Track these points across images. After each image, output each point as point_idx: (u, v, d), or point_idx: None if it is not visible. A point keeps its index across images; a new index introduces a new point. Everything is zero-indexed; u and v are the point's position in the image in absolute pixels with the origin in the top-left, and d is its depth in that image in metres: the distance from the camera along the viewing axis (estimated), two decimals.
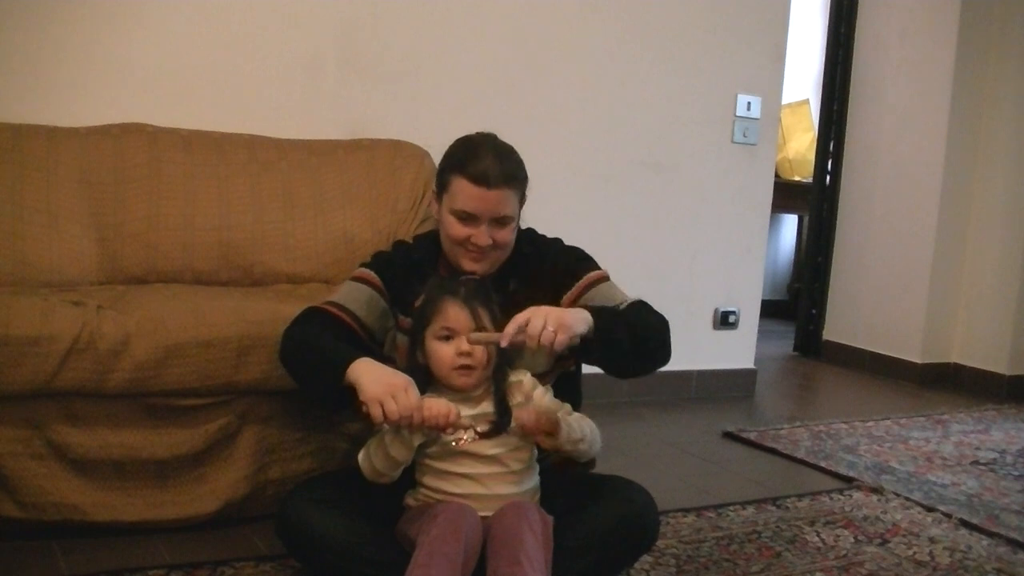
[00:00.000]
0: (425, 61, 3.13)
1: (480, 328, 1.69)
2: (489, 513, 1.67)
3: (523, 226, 1.97)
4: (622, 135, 3.54)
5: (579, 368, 2.01)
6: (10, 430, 1.92)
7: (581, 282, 1.90)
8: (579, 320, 1.66)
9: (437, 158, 2.85)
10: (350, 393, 1.67)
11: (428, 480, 1.74)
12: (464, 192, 1.81)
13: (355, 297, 1.91)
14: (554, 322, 1.61)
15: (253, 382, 2.07)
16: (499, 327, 1.69)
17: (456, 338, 1.69)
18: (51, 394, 1.93)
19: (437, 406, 1.62)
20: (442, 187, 1.88)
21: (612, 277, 1.97)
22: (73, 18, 2.64)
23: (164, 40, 2.75)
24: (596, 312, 1.72)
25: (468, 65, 3.21)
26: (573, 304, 1.85)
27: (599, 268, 1.95)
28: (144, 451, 2.01)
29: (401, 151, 2.85)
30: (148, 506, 2.03)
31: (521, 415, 1.65)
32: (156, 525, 2.04)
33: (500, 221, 1.83)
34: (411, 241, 2.06)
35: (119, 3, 2.69)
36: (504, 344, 1.63)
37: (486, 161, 1.80)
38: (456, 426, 1.65)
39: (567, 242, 2.04)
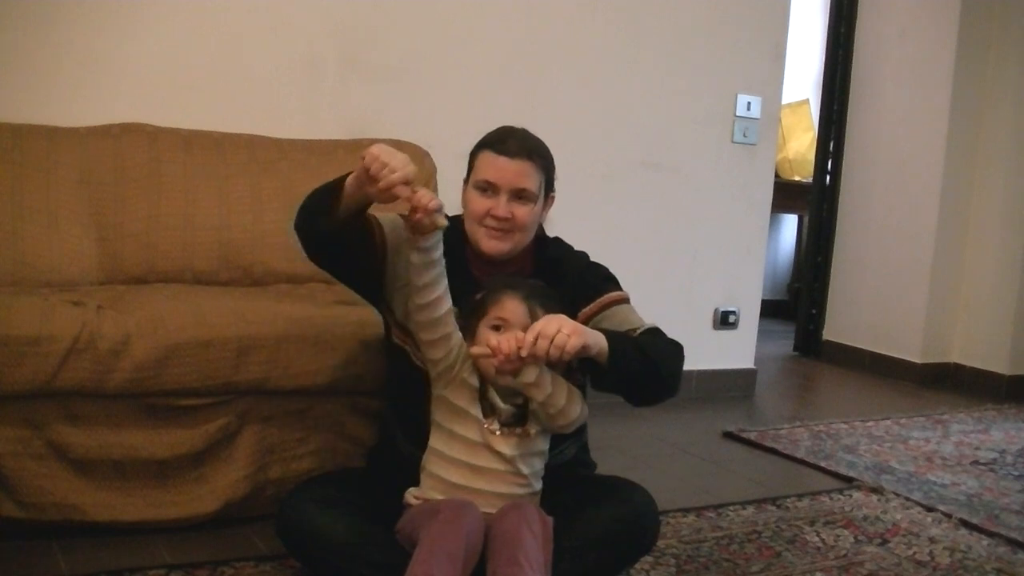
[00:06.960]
0: (425, 61, 3.13)
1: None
2: (490, 510, 1.67)
3: (550, 235, 2.00)
4: (622, 135, 3.54)
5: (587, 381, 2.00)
6: (10, 430, 1.92)
7: (601, 299, 1.89)
8: (592, 333, 1.67)
9: (437, 158, 2.91)
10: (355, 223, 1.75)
11: (436, 468, 1.74)
12: (485, 162, 1.86)
13: (390, 219, 1.88)
14: (569, 328, 1.61)
15: (253, 382, 2.07)
16: None
17: (508, 330, 1.69)
18: (51, 394, 1.93)
19: (429, 193, 1.64)
20: (469, 168, 1.91)
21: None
22: (73, 18, 2.64)
23: (164, 40, 2.75)
24: (609, 334, 1.72)
25: (468, 65, 3.21)
26: (588, 320, 1.85)
27: (621, 290, 1.94)
28: (144, 451, 2.01)
29: (401, 151, 2.84)
30: (148, 506, 2.03)
31: (498, 339, 1.63)
32: (156, 525, 2.04)
33: (520, 196, 1.84)
34: None
35: (119, 3, 2.69)
36: (524, 353, 1.61)
37: (512, 139, 1.87)
38: (435, 221, 1.64)
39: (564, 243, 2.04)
